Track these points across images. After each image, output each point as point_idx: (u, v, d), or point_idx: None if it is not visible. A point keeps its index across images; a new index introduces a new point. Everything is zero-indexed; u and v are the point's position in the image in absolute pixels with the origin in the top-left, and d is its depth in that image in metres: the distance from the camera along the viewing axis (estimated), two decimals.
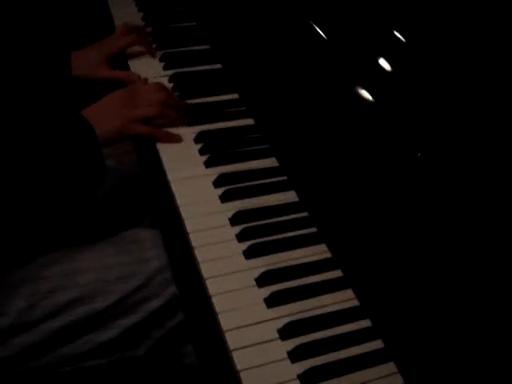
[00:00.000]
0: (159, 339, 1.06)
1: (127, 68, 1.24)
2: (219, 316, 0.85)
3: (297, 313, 0.86)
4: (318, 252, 0.94)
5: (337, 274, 0.92)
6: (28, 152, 0.93)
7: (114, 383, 1.07)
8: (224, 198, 0.99)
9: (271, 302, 0.87)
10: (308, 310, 0.87)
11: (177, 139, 1.08)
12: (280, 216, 0.98)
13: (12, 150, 0.92)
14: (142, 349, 1.05)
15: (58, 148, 0.94)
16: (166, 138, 1.07)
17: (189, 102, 1.16)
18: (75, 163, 0.95)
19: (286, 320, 0.85)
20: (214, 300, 0.86)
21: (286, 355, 0.82)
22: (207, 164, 1.04)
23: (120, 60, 1.26)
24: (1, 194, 0.89)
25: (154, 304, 1.04)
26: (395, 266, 0.84)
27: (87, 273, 1.02)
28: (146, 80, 1.18)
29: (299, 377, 0.80)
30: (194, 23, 1.38)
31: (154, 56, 1.26)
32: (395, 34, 0.90)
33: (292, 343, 0.83)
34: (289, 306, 0.87)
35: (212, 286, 0.88)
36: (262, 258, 0.92)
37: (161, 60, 1.26)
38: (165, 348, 1.07)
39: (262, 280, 0.89)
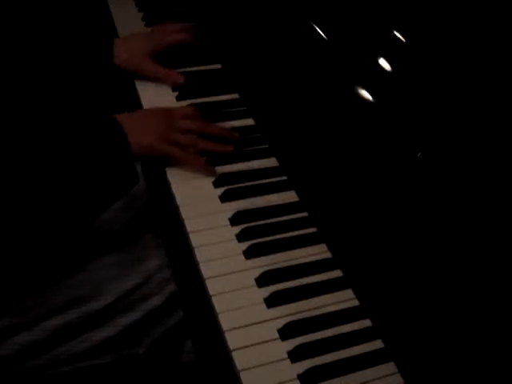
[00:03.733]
0: (158, 337, 1.06)
1: None
2: (219, 316, 0.85)
3: (297, 313, 0.86)
4: (318, 252, 0.94)
5: (337, 274, 0.92)
6: (55, 155, 0.90)
7: (114, 382, 1.07)
8: (224, 198, 0.99)
9: (271, 301, 0.87)
10: (308, 310, 0.87)
11: (209, 169, 1.02)
12: (280, 216, 0.98)
13: (39, 152, 0.90)
14: (142, 347, 1.05)
15: (88, 153, 0.92)
16: (197, 165, 1.03)
17: (189, 102, 1.16)
18: (106, 170, 0.92)
19: (285, 320, 0.85)
20: (214, 300, 0.86)
21: (286, 355, 0.82)
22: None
23: None
24: (27, 194, 0.87)
25: (154, 302, 1.04)
26: (395, 266, 0.84)
27: (86, 271, 1.02)
28: None
29: (299, 377, 0.80)
30: (193, 23, 1.38)
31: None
32: (395, 34, 0.90)
33: (292, 343, 0.83)
34: (289, 306, 0.87)
35: (212, 286, 0.88)
36: (262, 258, 0.92)
37: None
38: (164, 346, 1.07)
39: (262, 280, 0.89)
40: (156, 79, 1.18)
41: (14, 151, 0.90)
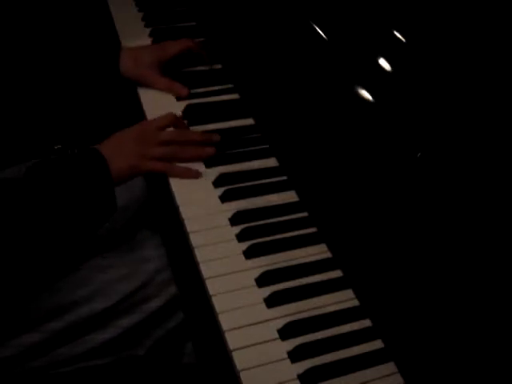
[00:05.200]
0: (159, 339, 1.06)
1: None
2: (219, 316, 0.85)
3: (297, 313, 0.86)
4: (318, 252, 0.94)
5: (337, 274, 0.92)
6: (36, 184, 0.89)
7: (114, 383, 1.07)
8: (224, 198, 0.99)
9: (271, 301, 0.87)
10: (308, 310, 0.87)
11: (194, 175, 1.02)
12: (280, 216, 0.98)
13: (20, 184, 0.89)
14: (142, 349, 1.05)
15: (69, 180, 0.91)
16: (183, 174, 1.02)
17: (189, 102, 1.16)
18: (86, 197, 0.92)
19: (285, 320, 0.85)
20: (214, 300, 0.86)
21: (286, 355, 0.82)
22: (207, 164, 1.04)
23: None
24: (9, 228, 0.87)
25: (154, 304, 1.04)
26: (395, 266, 0.84)
27: (87, 273, 1.02)
28: None
29: (299, 377, 0.80)
30: (193, 23, 1.39)
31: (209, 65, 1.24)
32: (395, 34, 0.90)
33: (292, 343, 0.83)
34: (289, 305, 0.87)
35: (212, 286, 0.88)
36: (262, 257, 0.92)
37: None
38: (164, 348, 1.07)
39: (262, 280, 0.89)
40: (160, 90, 1.18)
41: None
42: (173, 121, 1.05)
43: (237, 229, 0.95)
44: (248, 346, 0.82)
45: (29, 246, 0.88)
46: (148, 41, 1.31)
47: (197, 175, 1.03)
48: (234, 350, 0.81)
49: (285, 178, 1.04)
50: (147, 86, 1.18)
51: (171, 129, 1.05)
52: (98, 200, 0.93)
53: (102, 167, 0.94)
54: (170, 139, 1.03)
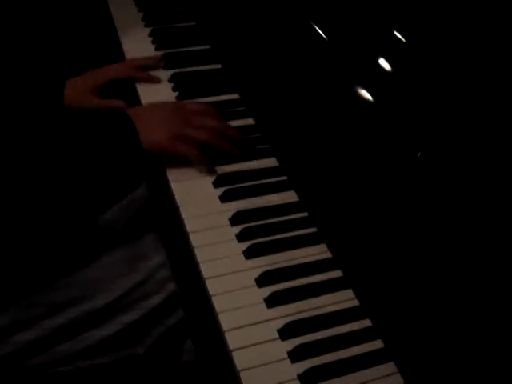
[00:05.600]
0: (159, 336, 1.06)
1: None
2: (219, 316, 0.85)
3: (297, 313, 0.86)
4: (318, 252, 0.94)
5: (337, 274, 0.92)
6: (66, 151, 0.89)
7: (114, 382, 1.07)
8: (224, 198, 0.99)
9: (271, 301, 0.87)
10: (308, 310, 0.87)
11: (211, 170, 1.02)
12: (280, 216, 0.98)
13: (50, 147, 0.89)
14: (142, 346, 1.05)
15: (100, 149, 0.91)
16: (208, 169, 1.02)
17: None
18: (117, 167, 0.92)
19: (285, 320, 0.85)
20: (214, 300, 0.86)
21: (286, 355, 0.82)
22: None
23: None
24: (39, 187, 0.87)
25: (154, 301, 1.04)
26: (395, 266, 0.84)
27: (87, 270, 1.02)
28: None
29: (299, 377, 0.80)
30: (193, 23, 1.38)
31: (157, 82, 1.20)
32: (395, 34, 0.90)
33: (292, 343, 0.83)
34: (289, 306, 0.87)
35: (212, 286, 0.88)
36: (262, 257, 0.92)
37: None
38: (164, 345, 1.07)
39: (262, 280, 0.89)
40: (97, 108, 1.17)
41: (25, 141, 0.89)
42: (211, 111, 1.05)
43: (237, 229, 0.95)
44: (248, 346, 0.82)
45: (54, 210, 0.88)
46: (148, 41, 1.31)
47: (210, 168, 1.02)
48: (234, 350, 0.81)
49: (285, 178, 1.04)
50: (87, 109, 1.17)
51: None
52: (126, 168, 0.93)
53: (132, 137, 0.93)
54: (208, 125, 1.02)
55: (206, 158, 1.02)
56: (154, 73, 1.22)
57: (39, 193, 0.87)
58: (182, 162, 1.02)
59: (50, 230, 0.90)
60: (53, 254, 0.98)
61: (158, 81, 1.20)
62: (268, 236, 0.95)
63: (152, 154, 0.99)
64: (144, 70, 1.21)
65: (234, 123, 1.12)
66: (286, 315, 0.86)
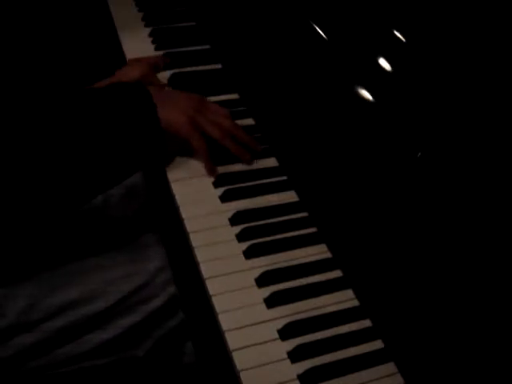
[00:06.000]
0: (159, 339, 1.06)
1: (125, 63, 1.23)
2: (219, 316, 0.85)
3: (297, 313, 0.86)
4: (318, 252, 0.94)
5: (337, 274, 0.91)
6: (82, 119, 0.88)
7: (114, 383, 1.07)
8: (224, 198, 0.99)
9: (271, 302, 0.87)
10: (308, 310, 0.87)
11: (213, 168, 1.02)
12: (280, 216, 0.98)
13: (65, 116, 0.88)
14: (142, 348, 1.05)
15: (117, 120, 0.90)
16: (208, 166, 1.02)
17: None
18: (134, 138, 0.91)
19: (286, 320, 0.85)
20: (214, 300, 0.86)
21: (285, 355, 0.82)
22: None
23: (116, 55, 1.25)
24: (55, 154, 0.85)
25: (154, 304, 1.04)
26: (395, 266, 0.84)
27: (87, 273, 1.02)
28: None
29: (299, 377, 0.80)
30: (193, 23, 1.38)
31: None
32: (395, 34, 0.90)
33: (292, 343, 0.83)
34: (289, 306, 0.87)
35: (212, 286, 0.88)
36: (262, 257, 0.92)
37: None
38: (165, 348, 1.07)
39: (262, 280, 0.89)
40: None
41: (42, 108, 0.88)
42: (227, 115, 1.05)
43: (237, 229, 0.95)
44: (248, 346, 0.82)
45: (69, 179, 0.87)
46: (148, 41, 1.31)
47: (213, 167, 1.02)
48: (234, 350, 0.81)
49: (285, 178, 1.04)
50: None
51: None
52: (144, 141, 0.92)
53: (151, 110, 0.93)
54: (223, 124, 1.02)
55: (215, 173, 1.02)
56: None
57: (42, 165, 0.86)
58: (183, 150, 1.02)
59: (48, 215, 0.89)
60: (52, 244, 0.98)
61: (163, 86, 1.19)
62: (268, 236, 0.95)
63: (165, 134, 0.97)
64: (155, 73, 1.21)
65: None
66: (286, 315, 0.86)
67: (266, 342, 0.83)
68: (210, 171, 1.02)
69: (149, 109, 0.93)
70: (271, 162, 1.07)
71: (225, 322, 0.84)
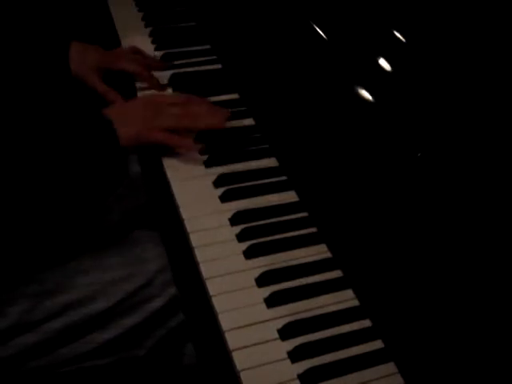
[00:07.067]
0: (160, 339, 1.06)
1: None
2: (219, 316, 0.85)
3: (297, 313, 0.86)
4: (318, 252, 0.94)
5: (337, 274, 0.91)
6: (43, 151, 0.90)
7: (115, 383, 1.07)
8: (224, 198, 0.99)
9: (271, 301, 0.87)
10: (308, 310, 0.87)
11: (192, 147, 1.04)
12: (280, 216, 0.98)
13: (26, 150, 0.90)
14: (143, 349, 1.05)
15: (79, 149, 0.92)
16: (184, 145, 1.04)
17: None
18: (95, 162, 0.92)
19: (285, 320, 0.85)
20: (214, 300, 0.86)
21: (285, 355, 0.82)
22: (207, 164, 1.04)
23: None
24: (14, 195, 0.87)
25: (155, 304, 1.04)
26: (395, 266, 0.84)
27: (88, 273, 1.02)
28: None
29: (299, 377, 0.80)
30: (193, 23, 1.39)
31: (160, 89, 1.20)
32: (395, 34, 0.90)
33: (292, 343, 0.83)
34: (289, 306, 0.87)
35: (212, 286, 0.88)
36: (262, 258, 0.92)
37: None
38: (165, 348, 1.07)
39: (262, 280, 0.89)
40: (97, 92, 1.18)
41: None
42: (186, 101, 1.06)
43: (237, 229, 0.95)
44: (248, 346, 0.82)
45: (36, 211, 0.88)
46: (148, 41, 1.32)
47: (195, 147, 1.04)
48: (234, 350, 0.81)
49: (285, 178, 1.04)
50: (88, 85, 1.18)
51: None
52: (106, 164, 0.94)
53: (110, 132, 0.95)
54: (180, 113, 1.03)
55: (197, 149, 1.04)
56: (153, 72, 1.22)
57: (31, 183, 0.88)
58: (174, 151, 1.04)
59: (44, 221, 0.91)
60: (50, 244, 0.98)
61: (160, 88, 1.19)
62: (268, 236, 0.95)
63: (135, 147, 1.00)
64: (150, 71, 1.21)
65: (234, 123, 1.12)
66: (286, 315, 0.86)
67: (266, 341, 0.83)
68: (189, 148, 1.04)
69: (109, 134, 0.95)
70: (271, 161, 1.07)
71: (225, 321, 0.84)
